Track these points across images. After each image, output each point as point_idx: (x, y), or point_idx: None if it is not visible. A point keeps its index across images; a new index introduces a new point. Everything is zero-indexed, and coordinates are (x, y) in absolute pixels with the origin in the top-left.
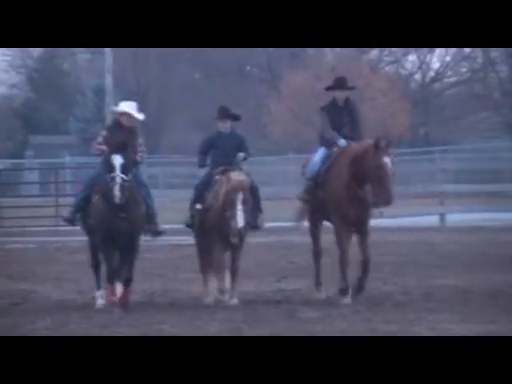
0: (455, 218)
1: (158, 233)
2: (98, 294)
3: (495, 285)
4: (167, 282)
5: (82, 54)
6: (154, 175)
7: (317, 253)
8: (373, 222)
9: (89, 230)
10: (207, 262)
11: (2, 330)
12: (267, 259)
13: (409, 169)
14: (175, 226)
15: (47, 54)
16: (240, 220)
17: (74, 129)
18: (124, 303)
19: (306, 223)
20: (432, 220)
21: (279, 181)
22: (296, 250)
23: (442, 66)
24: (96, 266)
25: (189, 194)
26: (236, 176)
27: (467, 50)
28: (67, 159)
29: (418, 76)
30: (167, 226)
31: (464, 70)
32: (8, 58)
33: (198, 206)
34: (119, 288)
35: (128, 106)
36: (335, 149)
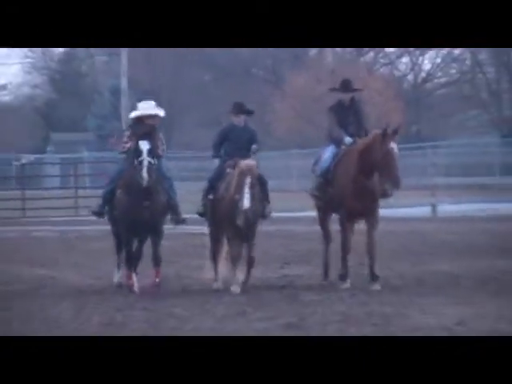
0: (446, 208)
1: (180, 221)
2: (117, 274)
3: (483, 271)
4: (180, 268)
5: (99, 57)
6: (168, 169)
7: (326, 242)
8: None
9: (114, 221)
10: (217, 249)
11: (25, 313)
12: (271, 247)
13: (402, 163)
14: (188, 216)
15: (67, 57)
16: (247, 202)
17: (91, 126)
18: (158, 283)
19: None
20: (424, 211)
21: (282, 174)
22: (298, 239)
23: (432, 67)
24: (120, 253)
25: (200, 185)
26: (245, 161)
27: (456, 52)
28: (85, 154)
29: (410, 77)
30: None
31: (453, 71)
32: (31, 60)
33: (211, 196)
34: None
35: (147, 106)
36: (343, 146)
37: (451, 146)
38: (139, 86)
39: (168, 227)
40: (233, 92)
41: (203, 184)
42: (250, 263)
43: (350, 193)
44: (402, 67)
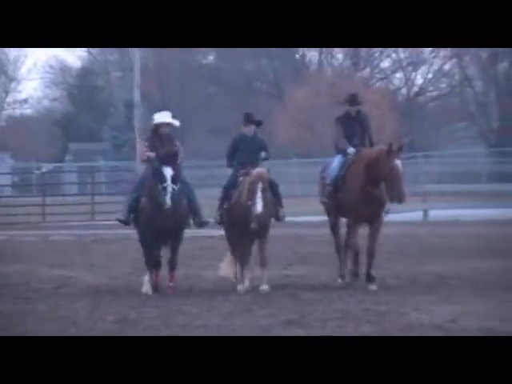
0: (436, 213)
1: (202, 224)
2: (146, 280)
3: (471, 271)
4: (188, 268)
5: (114, 72)
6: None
7: (339, 247)
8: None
9: (139, 228)
10: (237, 253)
11: (46, 311)
12: (275, 249)
13: None
14: None
15: (84, 72)
16: (259, 207)
17: (107, 136)
18: (173, 287)
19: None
20: (417, 215)
21: (283, 181)
22: (300, 242)
23: (424, 82)
24: (150, 264)
25: (208, 192)
26: (256, 169)
27: (446, 67)
28: (101, 163)
29: (404, 91)
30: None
31: (443, 85)
32: (50, 76)
33: (226, 206)
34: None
35: (164, 116)
36: (349, 156)
37: (442, 156)
38: (151, 98)
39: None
40: (237, 104)
41: (211, 190)
42: (264, 261)
43: (359, 199)
44: (397, 82)
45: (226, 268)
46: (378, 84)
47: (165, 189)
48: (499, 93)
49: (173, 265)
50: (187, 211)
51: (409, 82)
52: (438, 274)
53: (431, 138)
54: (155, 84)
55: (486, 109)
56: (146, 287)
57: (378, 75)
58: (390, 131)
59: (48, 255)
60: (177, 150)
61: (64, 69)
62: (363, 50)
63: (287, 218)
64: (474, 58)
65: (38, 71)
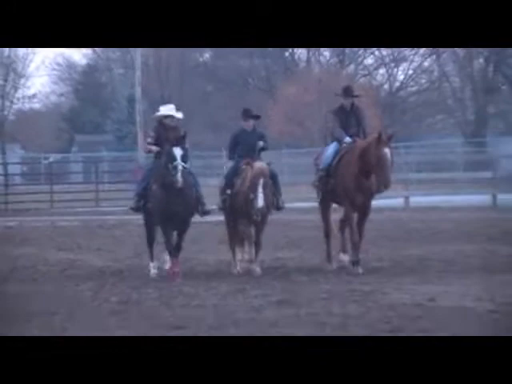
0: (417, 200)
1: (206, 212)
2: (152, 265)
3: (450, 254)
4: (186, 252)
5: (117, 69)
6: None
7: (328, 231)
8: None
9: (147, 213)
10: (234, 237)
11: (52, 292)
12: (266, 234)
13: None
14: None
15: (89, 69)
16: (261, 201)
17: (110, 129)
18: (178, 272)
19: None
20: (398, 202)
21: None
22: (290, 226)
23: (405, 77)
24: (151, 243)
25: (205, 181)
26: (258, 165)
27: (426, 64)
28: (105, 153)
29: (386, 86)
30: None
31: (423, 81)
32: (57, 73)
33: (228, 192)
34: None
35: (168, 109)
36: (344, 145)
37: (421, 146)
38: (151, 94)
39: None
40: (232, 100)
41: (208, 180)
42: (258, 248)
43: (352, 187)
44: (379, 78)
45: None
46: (362, 80)
47: (175, 168)
48: (475, 88)
49: (177, 250)
50: (194, 200)
51: (391, 77)
52: (420, 256)
53: (412, 129)
54: (155, 81)
55: (462, 103)
56: (153, 271)
57: (362, 72)
58: (374, 124)
59: (55, 239)
60: (184, 133)
61: (70, 66)
62: (348, 48)
63: None
64: (451, 55)
65: (46, 68)
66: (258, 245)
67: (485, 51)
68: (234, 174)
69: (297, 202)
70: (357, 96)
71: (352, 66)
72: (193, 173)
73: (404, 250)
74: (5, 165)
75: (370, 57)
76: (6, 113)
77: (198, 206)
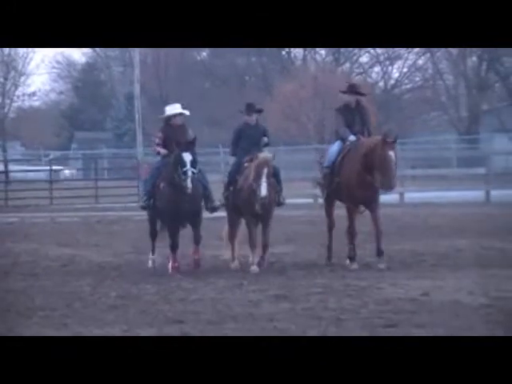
0: (411, 195)
1: (214, 209)
2: (151, 257)
3: (443, 249)
4: (185, 248)
5: (116, 68)
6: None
7: (331, 226)
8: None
9: (153, 210)
10: (234, 233)
11: (52, 287)
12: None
13: None
14: None
15: (88, 67)
16: (264, 190)
17: (109, 126)
18: (198, 260)
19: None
20: (393, 197)
21: None
22: (286, 222)
23: (400, 75)
24: (153, 236)
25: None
26: (262, 155)
27: (420, 62)
28: (104, 150)
29: (381, 84)
30: None
31: (417, 78)
32: (57, 71)
33: (231, 188)
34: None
35: (175, 108)
36: (348, 143)
37: (416, 143)
38: (150, 91)
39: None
40: (229, 97)
41: (209, 176)
42: (266, 244)
43: (354, 184)
44: (374, 75)
45: (226, 250)
46: (357, 78)
47: (185, 173)
48: (468, 86)
49: (196, 240)
50: (202, 195)
51: (386, 75)
52: (414, 251)
53: (406, 126)
54: (154, 78)
55: (456, 100)
56: (151, 263)
57: (357, 70)
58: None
59: (55, 235)
60: (194, 137)
61: (70, 64)
62: None
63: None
64: (445, 54)
65: (46, 66)
66: (265, 247)
67: (478, 50)
68: (236, 170)
69: (292, 198)
70: (364, 94)
71: (347, 64)
72: (201, 170)
73: (398, 245)
74: (6, 162)
75: (365, 55)
76: (6, 110)
77: (207, 202)
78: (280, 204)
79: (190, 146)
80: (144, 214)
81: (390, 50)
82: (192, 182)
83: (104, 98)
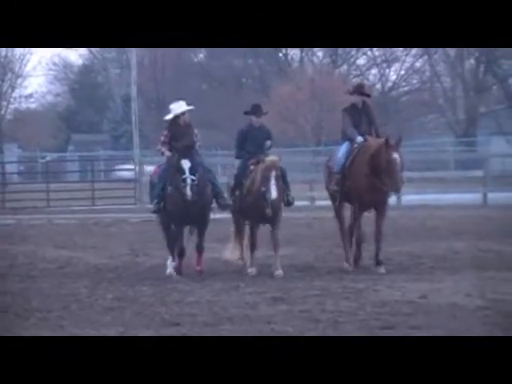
0: (409, 198)
1: (226, 206)
2: (170, 263)
3: (441, 251)
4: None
5: (113, 69)
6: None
7: (344, 232)
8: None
9: (164, 214)
10: (242, 236)
11: (50, 289)
12: (260, 231)
13: None
14: None
15: (85, 69)
16: (273, 193)
17: (106, 128)
18: (200, 270)
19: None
20: (390, 200)
21: None
22: (283, 224)
23: (397, 78)
24: (172, 244)
25: None
26: (270, 157)
27: (417, 64)
28: (101, 152)
29: (378, 86)
30: None
31: (415, 81)
32: (54, 73)
33: (237, 193)
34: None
35: (180, 106)
36: (355, 145)
37: (413, 145)
38: (147, 93)
39: None
40: (226, 99)
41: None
42: (277, 246)
43: (363, 188)
44: (372, 78)
45: (231, 252)
46: (354, 80)
47: (184, 180)
48: (466, 88)
49: (200, 249)
50: (211, 198)
51: (383, 77)
52: (411, 254)
53: (404, 128)
54: (151, 80)
55: (453, 102)
56: (170, 270)
57: (354, 72)
58: None
59: (52, 237)
60: (194, 141)
61: (66, 66)
62: (341, 49)
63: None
64: (442, 56)
65: (43, 68)
66: (276, 249)
67: (476, 52)
68: (242, 174)
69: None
70: (369, 95)
71: (345, 66)
72: (210, 170)
73: (395, 247)
74: (3, 164)
75: (362, 57)
76: (3, 112)
77: (216, 200)
78: (289, 204)
79: (188, 150)
80: (143, 216)
81: (388, 52)
82: (193, 189)
83: (101, 99)
